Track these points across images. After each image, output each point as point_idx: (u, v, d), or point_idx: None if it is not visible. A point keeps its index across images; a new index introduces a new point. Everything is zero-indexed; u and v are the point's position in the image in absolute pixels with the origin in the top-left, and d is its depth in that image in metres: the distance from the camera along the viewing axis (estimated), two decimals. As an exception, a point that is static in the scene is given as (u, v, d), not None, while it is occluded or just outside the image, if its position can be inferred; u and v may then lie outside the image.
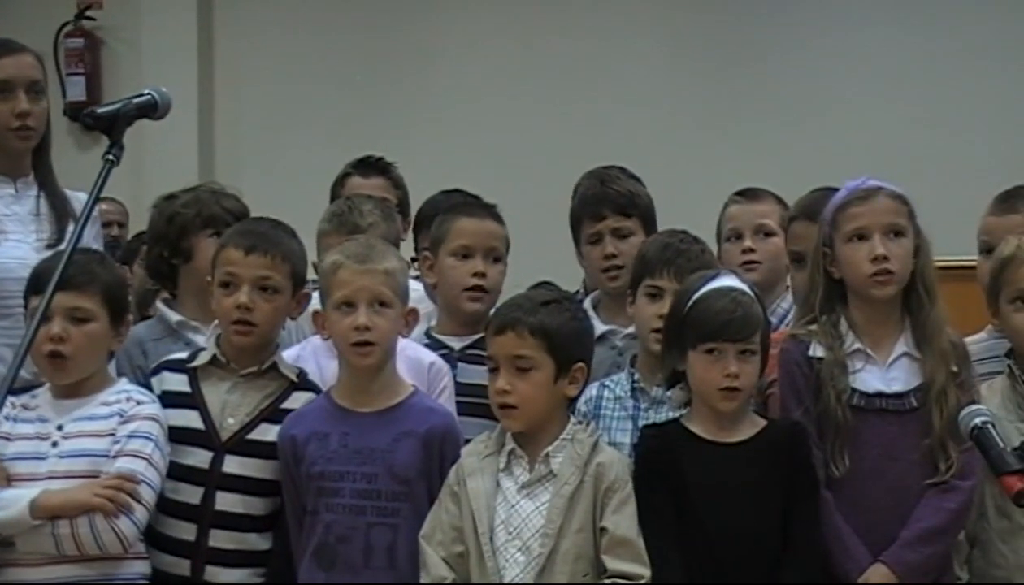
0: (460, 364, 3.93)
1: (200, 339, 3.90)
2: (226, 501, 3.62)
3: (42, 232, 4.12)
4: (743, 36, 7.27)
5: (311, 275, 3.86)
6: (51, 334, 3.55)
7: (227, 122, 7.78)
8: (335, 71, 7.61)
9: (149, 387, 3.72)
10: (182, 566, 3.62)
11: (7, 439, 3.58)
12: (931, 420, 3.49)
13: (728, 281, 3.54)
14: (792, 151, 6.83)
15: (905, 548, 3.46)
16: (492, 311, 3.74)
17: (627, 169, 4.28)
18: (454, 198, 4.51)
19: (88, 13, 7.93)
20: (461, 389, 3.84)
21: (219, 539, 3.62)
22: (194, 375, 3.74)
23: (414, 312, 3.70)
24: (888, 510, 3.49)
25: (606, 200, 4.14)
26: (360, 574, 3.50)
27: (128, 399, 3.62)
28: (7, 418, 3.58)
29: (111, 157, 3.28)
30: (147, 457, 3.54)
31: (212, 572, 3.62)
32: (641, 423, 3.66)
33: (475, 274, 3.98)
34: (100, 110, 3.43)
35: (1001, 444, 2.99)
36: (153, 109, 3.50)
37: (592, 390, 3.71)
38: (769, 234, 4.32)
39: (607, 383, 3.77)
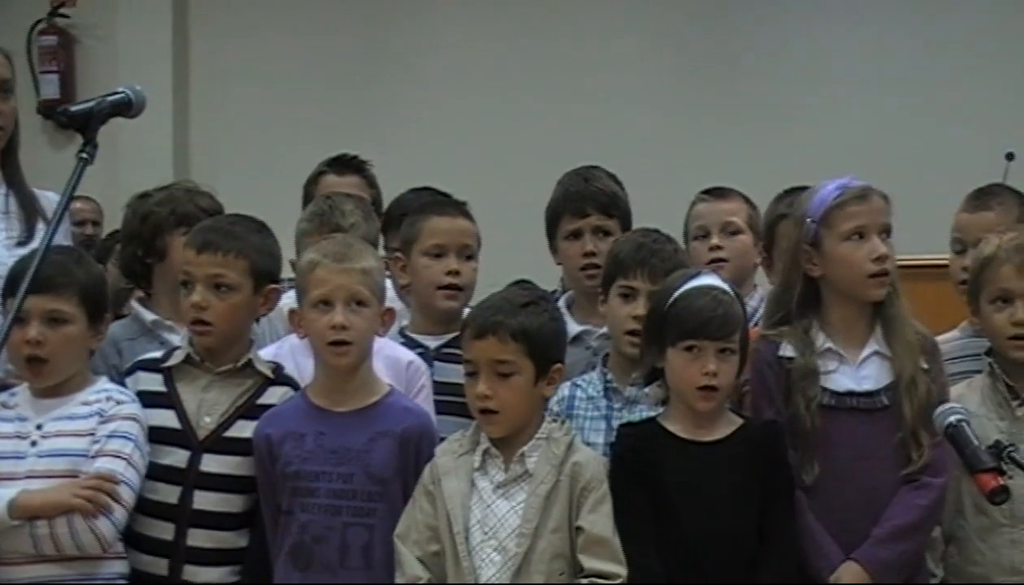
0: (436, 363, 3.93)
1: (175, 338, 3.88)
2: (204, 500, 3.61)
3: (11, 231, 4.10)
4: (719, 37, 7.29)
5: (291, 273, 3.85)
6: (28, 338, 3.54)
7: (202, 120, 7.76)
8: (310, 69, 7.61)
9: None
10: (160, 565, 3.61)
11: (-14, 438, 3.57)
12: (902, 414, 3.50)
13: (709, 280, 3.55)
14: (765, 151, 6.85)
15: (877, 546, 3.47)
16: (468, 311, 3.74)
17: (607, 171, 4.28)
18: (423, 197, 4.50)
19: (62, 11, 7.90)
20: (438, 388, 3.84)
21: (197, 538, 3.61)
22: (169, 374, 3.72)
23: (391, 312, 3.69)
24: (860, 508, 3.49)
25: (590, 198, 4.14)
26: (336, 574, 3.49)
27: (108, 399, 3.61)
28: (-14, 417, 3.58)
29: (85, 155, 3.27)
30: (127, 457, 3.53)
31: (191, 571, 3.60)
32: (614, 423, 3.66)
33: (449, 272, 3.98)
34: (74, 108, 3.42)
35: (976, 442, 3.01)
36: (127, 107, 3.49)
37: (564, 390, 3.71)
38: (736, 232, 4.33)
39: (579, 383, 3.77)
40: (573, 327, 3.95)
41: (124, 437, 3.55)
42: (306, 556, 3.50)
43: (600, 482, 3.42)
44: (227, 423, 3.66)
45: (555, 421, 3.52)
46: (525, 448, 3.44)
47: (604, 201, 4.13)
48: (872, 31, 7.14)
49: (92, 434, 3.55)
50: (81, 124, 3.35)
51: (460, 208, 4.13)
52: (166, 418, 3.67)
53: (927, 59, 7.06)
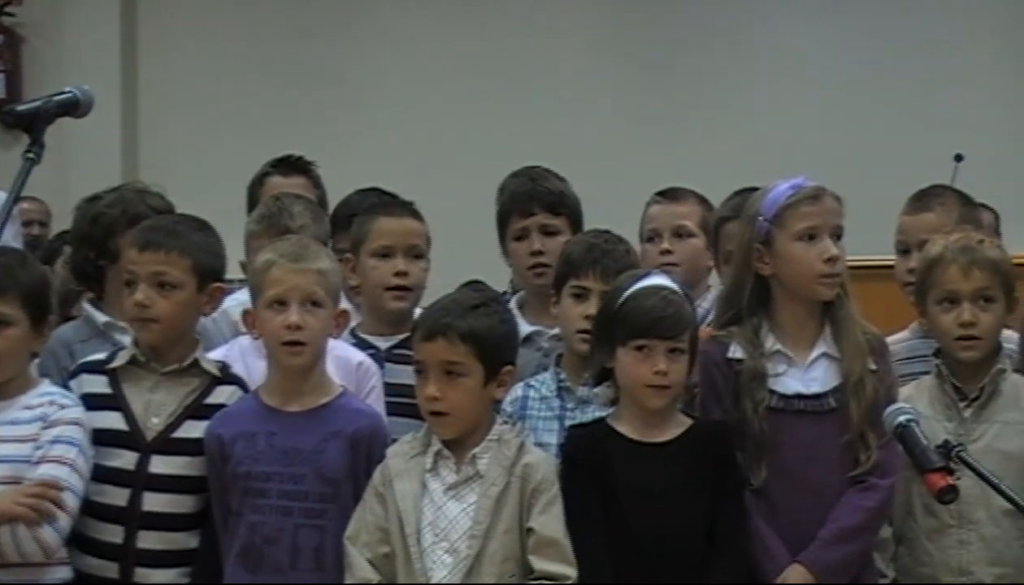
0: (387, 364, 3.92)
1: (128, 340, 3.86)
2: (154, 502, 3.59)
3: None
4: (669, 36, 7.32)
5: (239, 274, 3.83)
6: None
7: (151, 120, 7.73)
8: (259, 69, 7.59)
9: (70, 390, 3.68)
10: (110, 569, 3.58)
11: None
12: (850, 416, 3.51)
13: (659, 280, 3.56)
14: (716, 151, 6.88)
15: (823, 548, 3.47)
16: (419, 312, 3.73)
17: (553, 171, 4.28)
18: (371, 197, 4.49)
19: (8, 9, 7.85)
20: (388, 389, 3.84)
21: (148, 540, 3.58)
22: (115, 376, 3.69)
23: (345, 313, 3.69)
24: (808, 510, 3.50)
25: (536, 197, 4.15)
26: (286, 576, 3.48)
27: (51, 403, 3.57)
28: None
29: (31, 155, 3.26)
30: (71, 462, 3.49)
31: (141, 573, 3.58)
32: (567, 423, 3.66)
33: (397, 273, 3.98)
34: (20, 108, 3.41)
35: (925, 442, 3.02)
36: (75, 107, 3.47)
37: (518, 390, 3.71)
38: (688, 235, 4.34)
39: (532, 383, 3.77)
40: (524, 328, 3.96)
41: (68, 442, 3.51)
42: (256, 557, 3.48)
43: (551, 483, 3.42)
44: (175, 424, 3.64)
45: (506, 423, 3.52)
46: (476, 450, 3.44)
47: (550, 200, 4.14)
48: (824, 33, 7.20)
49: (35, 439, 3.51)
50: (28, 124, 3.33)
51: (408, 208, 4.13)
52: (113, 420, 3.64)
53: (877, 61, 7.12)
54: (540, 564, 3.38)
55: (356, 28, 7.59)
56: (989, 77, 7.04)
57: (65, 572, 3.55)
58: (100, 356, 3.76)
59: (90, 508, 3.56)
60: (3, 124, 4.76)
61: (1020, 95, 7.02)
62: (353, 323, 4.03)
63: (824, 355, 3.59)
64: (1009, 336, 3.87)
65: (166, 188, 4.25)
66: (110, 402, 3.66)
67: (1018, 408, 3.66)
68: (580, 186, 4.29)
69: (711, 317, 3.97)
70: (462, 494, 3.42)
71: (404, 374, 3.70)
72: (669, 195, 4.46)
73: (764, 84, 7.17)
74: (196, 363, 3.70)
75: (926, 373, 3.78)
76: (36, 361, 3.79)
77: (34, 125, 3.31)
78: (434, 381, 3.42)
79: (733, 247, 3.95)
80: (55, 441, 3.50)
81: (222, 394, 3.68)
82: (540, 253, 4.08)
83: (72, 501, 3.47)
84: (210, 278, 3.72)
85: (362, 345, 3.97)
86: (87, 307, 4.11)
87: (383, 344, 3.99)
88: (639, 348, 3.45)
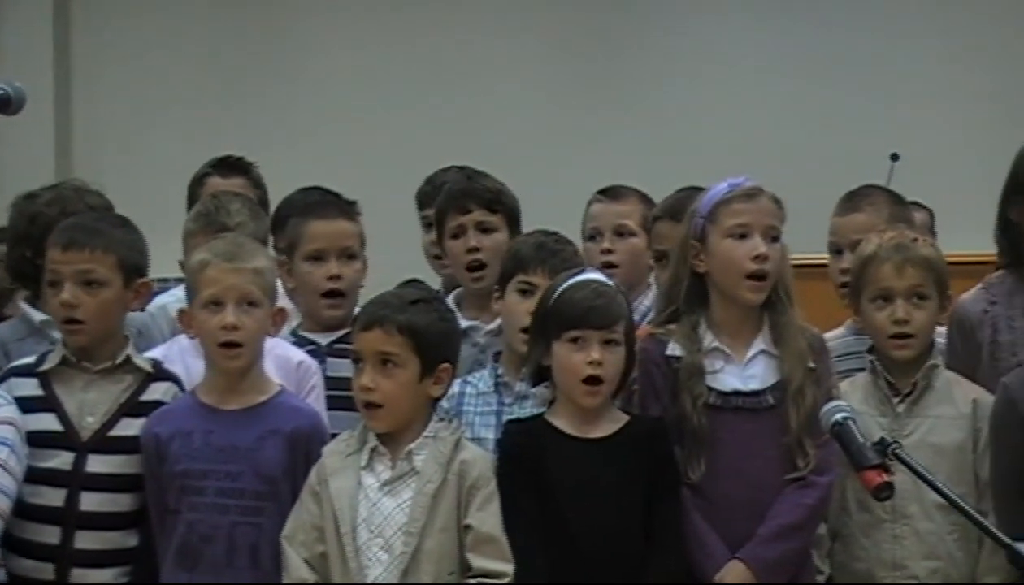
0: (328, 358, 3.93)
1: (66, 338, 3.84)
2: (91, 501, 3.56)
3: None
4: (607, 35, 7.32)
5: (178, 273, 3.81)
6: None
7: (85, 118, 7.66)
8: (195, 67, 7.53)
9: (1, 393, 3.65)
10: (46, 570, 3.55)
11: None
12: (788, 422, 3.52)
13: (590, 275, 3.58)
14: (655, 150, 6.88)
15: (762, 545, 3.48)
16: (359, 307, 3.72)
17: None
18: (312, 196, 4.46)
19: (-63, 5, 7.76)
20: (330, 384, 3.84)
21: (85, 540, 3.55)
22: (46, 378, 3.66)
23: (282, 312, 3.69)
24: (746, 507, 3.51)
25: (472, 194, 4.15)
26: (223, 574, 3.46)
27: None
28: None
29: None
30: (1, 463, 3.44)
31: (78, 574, 3.54)
32: (505, 418, 3.66)
33: (330, 277, 3.98)
34: (-50, 105, 3.37)
35: (861, 439, 3.03)
36: (7, 104, 3.45)
37: (455, 386, 3.70)
38: (629, 234, 4.35)
39: (470, 379, 3.77)
40: (461, 322, 3.95)
41: None
42: (193, 556, 3.47)
43: (488, 480, 3.42)
44: (111, 422, 3.61)
45: (442, 420, 3.52)
46: (412, 446, 3.43)
47: (487, 197, 4.14)
48: (762, 33, 7.22)
49: None
50: (-42, 122, 3.29)
51: (341, 208, 4.12)
52: (47, 422, 3.60)
53: (814, 61, 7.15)
54: (478, 561, 3.38)
55: (297, 26, 7.55)
56: (925, 77, 7.08)
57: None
58: (29, 360, 3.72)
59: (26, 510, 3.52)
60: (-67, 123, 4.70)
61: (956, 95, 7.08)
62: (294, 323, 4.04)
63: (762, 352, 3.60)
64: (942, 332, 3.91)
65: (103, 186, 4.22)
66: (43, 404, 3.62)
67: (950, 403, 3.70)
68: (521, 185, 4.29)
69: (652, 315, 3.98)
70: (397, 490, 3.41)
71: (346, 368, 3.67)
72: (611, 194, 4.46)
73: (703, 83, 7.18)
74: (129, 360, 3.67)
75: (860, 369, 3.81)
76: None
77: (-36, 123, 3.28)
78: (369, 371, 3.42)
79: (664, 247, 3.99)
80: None
81: (157, 390, 3.66)
82: (476, 250, 4.08)
83: (4, 503, 3.41)
84: (135, 274, 3.70)
85: (302, 342, 3.96)
86: (23, 306, 4.08)
87: (324, 339, 3.99)
88: (573, 340, 3.46)
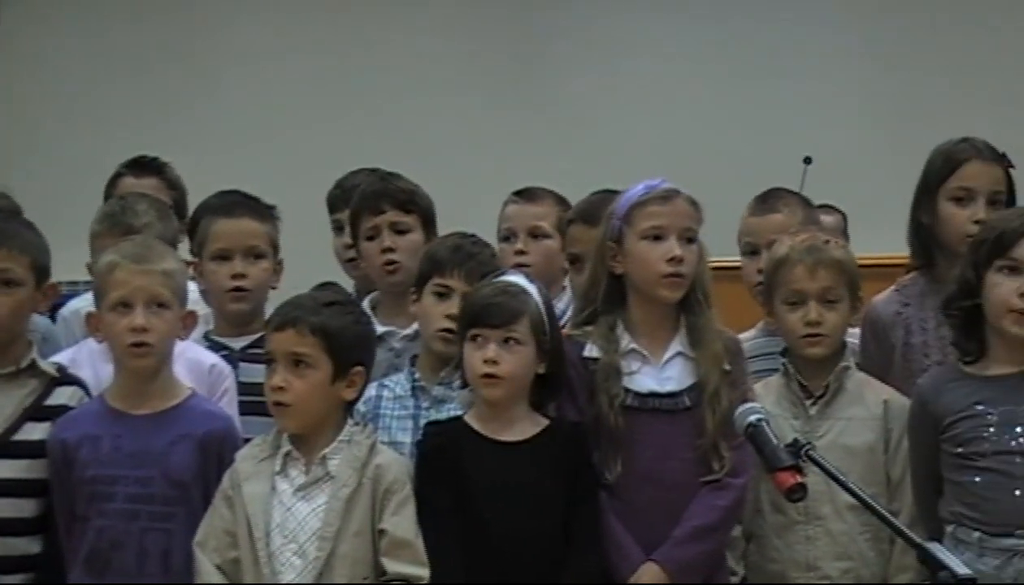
0: (241, 364, 3.90)
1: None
2: (-6, 506, 3.53)
3: None
4: (524, 35, 7.33)
5: (86, 276, 3.77)
6: None
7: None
8: (107, 68, 7.45)
9: None
10: (-56, 577, 3.52)
11: None
12: (704, 421, 3.54)
13: (508, 277, 3.60)
14: (569, 152, 6.89)
15: (677, 546, 3.49)
16: (275, 308, 3.70)
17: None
18: (229, 198, 4.43)
19: None
20: (243, 388, 3.82)
21: (-12, 546, 3.52)
22: None
23: (192, 315, 3.66)
24: (662, 509, 3.52)
25: (386, 195, 4.13)
26: (133, 581, 3.43)
27: None
28: None
29: None
30: None
31: (-21, 580, 3.51)
32: (422, 422, 3.65)
33: (235, 276, 3.96)
34: None
35: (775, 441, 3.05)
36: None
37: (371, 390, 3.69)
38: (543, 236, 4.35)
39: (387, 383, 3.76)
40: (377, 328, 3.94)
41: None
42: (102, 562, 3.44)
43: (403, 484, 3.42)
44: (14, 427, 3.57)
45: (357, 424, 3.51)
46: (327, 450, 3.42)
47: (401, 198, 4.13)
48: (674, 35, 7.25)
49: None
50: None
51: (249, 208, 4.09)
52: None
53: (727, 64, 7.18)
54: (392, 566, 3.38)
55: (212, 29, 7.50)
56: (837, 80, 7.14)
57: None
58: None
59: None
60: None
61: (868, 99, 7.14)
62: (210, 326, 4.02)
63: (679, 354, 3.61)
64: (855, 333, 3.94)
65: (11, 188, 4.17)
66: None
67: (862, 405, 3.73)
68: (436, 186, 4.28)
69: (566, 318, 3.98)
70: (312, 495, 3.40)
71: (258, 373, 3.65)
72: (526, 195, 4.46)
73: (618, 85, 7.20)
74: (33, 364, 3.64)
75: (772, 370, 3.83)
76: None
77: None
78: (281, 371, 3.41)
79: (577, 250, 3.99)
80: None
81: (62, 395, 3.63)
82: (392, 250, 4.07)
83: None
84: (44, 276, 3.67)
85: (215, 347, 3.94)
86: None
87: (236, 344, 3.97)
88: (474, 338, 3.47)
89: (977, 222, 3.83)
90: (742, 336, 3.91)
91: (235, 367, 3.87)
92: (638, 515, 3.51)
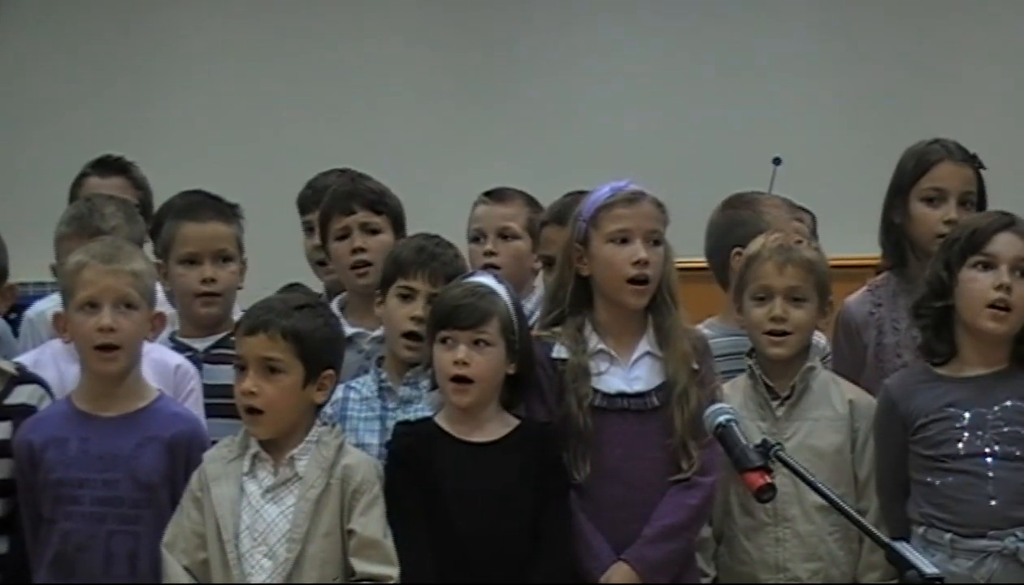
0: (206, 365, 3.89)
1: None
2: (-45, 506, 3.50)
3: None
4: (490, 37, 7.32)
5: (47, 278, 3.75)
6: None
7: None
8: (72, 68, 7.40)
9: None
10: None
11: None
12: (673, 420, 3.54)
13: (478, 278, 3.60)
14: (539, 154, 6.88)
15: (646, 546, 3.50)
16: (245, 311, 3.69)
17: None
18: (191, 199, 4.41)
19: None
20: (208, 390, 3.80)
21: (-49, 547, 3.50)
22: None
23: (161, 316, 3.64)
24: (632, 508, 3.52)
25: (357, 195, 4.12)
26: (99, 583, 3.41)
27: None
28: None
29: None
30: None
31: (-57, 581, 3.49)
32: (389, 423, 3.64)
33: (204, 280, 3.95)
34: None
35: (744, 441, 3.05)
36: None
37: (338, 392, 3.67)
38: (513, 237, 4.35)
39: (353, 385, 3.75)
40: (346, 329, 3.93)
41: None
42: (69, 565, 3.42)
43: (371, 485, 3.42)
44: (-26, 427, 3.55)
45: (325, 425, 3.50)
46: (295, 451, 3.42)
47: (371, 198, 4.12)
48: (644, 36, 7.24)
49: None
50: None
51: (216, 210, 4.08)
52: None
53: (696, 64, 7.18)
54: (361, 566, 3.37)
55: (177, 29, 7.46)
56: (807, 81, 7.14)
57: None
58: None
59: None
60: None
61: (838, 99, 7.14)
62: (175, 327, 4.00)
63: (647, 354, 3.61)
64: (822, 335, 3.95)
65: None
66: None
67: (828, 405, 3.73)
68: (405, 187, 4.28)
69: (536, 318, 3.98)
70: (280, 496, 3.39)
71: (223, 374, 3.67)
72: (495, 196, 4.46)
73: (587, 86, 7.18)
74: None
75: (739, 370, 3.82)
76: None
77: None
78: (252, 376, 3.40)
79: (551, 252, 3.99)
80: None
81: (22, 394, 3.61)
82: (362, 250, 4.06)
83: None
84: (2, 277, 3.67)
85: (180, 348, 3.92)
86: None
87: (201, 345, 3.95)
88: (443, 339, 3.46)
89: (948, 222, 3.87)
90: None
91: (199, 368, 3.86)
92: (607, 515, 3.51)
